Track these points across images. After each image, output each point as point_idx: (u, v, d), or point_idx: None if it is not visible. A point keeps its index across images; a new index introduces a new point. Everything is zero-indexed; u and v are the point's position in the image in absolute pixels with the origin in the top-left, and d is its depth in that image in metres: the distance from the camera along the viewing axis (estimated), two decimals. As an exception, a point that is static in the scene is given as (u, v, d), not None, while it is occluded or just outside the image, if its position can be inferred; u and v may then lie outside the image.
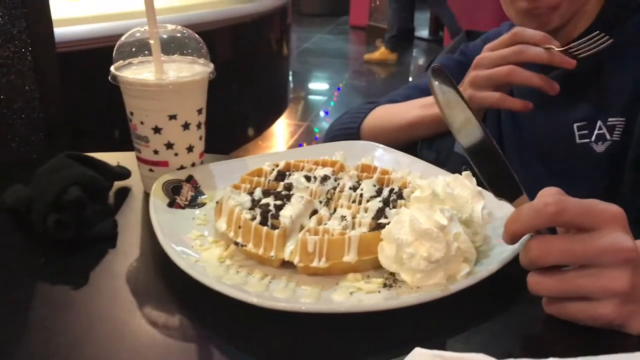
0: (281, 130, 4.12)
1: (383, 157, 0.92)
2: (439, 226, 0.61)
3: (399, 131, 1.06)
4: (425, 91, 1.18)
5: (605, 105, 0.88)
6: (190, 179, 0.82)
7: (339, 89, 5.23)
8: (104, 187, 0.79)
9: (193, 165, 0.85)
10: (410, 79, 5.67)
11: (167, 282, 0.65)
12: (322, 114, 4.56)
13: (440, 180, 0.69)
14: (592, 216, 0.55)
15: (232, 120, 3.21)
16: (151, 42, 0.80)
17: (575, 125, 0.90)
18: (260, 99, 3.48)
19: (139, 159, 0.84)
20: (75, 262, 0.69)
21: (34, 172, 0.76)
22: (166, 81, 0.78)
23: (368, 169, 0.84)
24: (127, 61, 0.82)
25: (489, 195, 0.72)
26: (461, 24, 4.69)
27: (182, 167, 0.83)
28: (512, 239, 0.59)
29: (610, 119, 0.87)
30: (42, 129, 0.98)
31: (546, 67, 0.88)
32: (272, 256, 0.65)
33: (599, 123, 0.88)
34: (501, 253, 0.66)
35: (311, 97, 5.13)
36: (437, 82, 0.65)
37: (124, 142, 0.89)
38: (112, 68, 0.80)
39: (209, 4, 3.14)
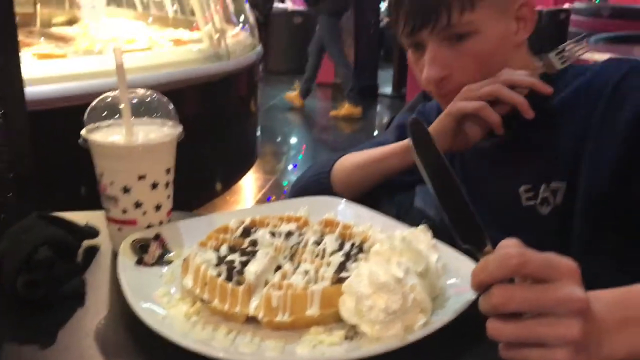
0: (249, 185, 4.15)
1: (345, 211, 0.96)
2: (395, 279, 0.65)
3: (372, 164, 1.08)
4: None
5: (547, 169, 0.93)
6: (157, 237, 0.84)
7: (306, 143, 5.32)
8: (74, 247, 0.81)
9: (161, 223, 0.87)
10: (376, 132, 5.81)
11: (135, 339, 0.67)
12: (290, 167, 4.62)
13: (398, 234, 0.73)
14: (551, 269, 0.59)
15: (200, 175, 3.24)
16: (122, 105, 0.84)
17: (521, 189, 0.95)
18: (228, 155, 3.53)
19: (107, 218, 0.86)
20: (45, 320, 0.70)
21: (4, 232, 0.77)
22: (136, 143, 0.82)
23: (331, 223, 0.87)
24: (96, 124, 0.86)
25: (443, 248, 0.77)
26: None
27: (150, 226, 0.86)
28: (479, 287, 0.62)
29: (552, 183, 0.92)
30: (11, 189, 0.99)
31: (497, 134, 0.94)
32: (237, 312, 0.67)
33: (542, 187, 0.93)
34: (456, 303, 0.69)
35: (280, 151, 5.20)
36: (413, 131, 0.71)
37: (94, 201, 0.91)
38: (83, 131, 0.83)
39: (179, 63, 3.20)
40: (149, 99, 0.88)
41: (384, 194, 1.27)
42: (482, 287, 0.62)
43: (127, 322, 0.69)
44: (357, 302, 0.65)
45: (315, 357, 0.62)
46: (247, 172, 3.82)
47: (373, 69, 7.10)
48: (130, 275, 0.74)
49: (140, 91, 0.88)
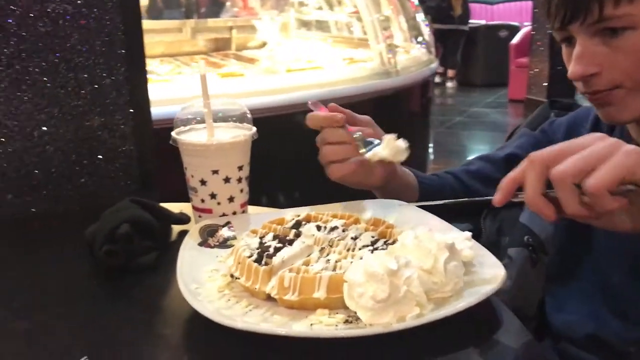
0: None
1: (407, 215, 0.98)
2: (388, 270, 0.68)
3: None
4: (497, 163, 1.22)
5: None
6: (227, 224, 0.96)
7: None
8: (154, 226, 0.96)
9: (234, 213, 1.00)
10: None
11: (173, 303, 0.80)
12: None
13: (411, 233, 0.76)
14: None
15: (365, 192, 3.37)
16: (205, 110, 0.98)
17: None
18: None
19: (192, 206, 1.01)
20: (121, 283, 0.87)
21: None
22: (209, 142, 0.95)
23: (377, 223, 0.92)
24: (187, 127, 1.01)
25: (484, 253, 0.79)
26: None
27: (224, 214, 0.99)
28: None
29: None
30: (139, 182, 1.20)
31: None
32: (256, 289, 0.76)
33: None
34: (463, 303, 0.70)
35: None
36: None
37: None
38: (173, 133, 0.99)
39: (351, 80, 3.39)
40: (229, 105, 1.01)
41: (489, 211, 1.26)
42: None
43: (174, 290, 0.82)
44: (349, 288, 0.70)
45: (304, 331, 0.68)
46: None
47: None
48: (189, 252, 0.87)
49: (223, 100, 1.02)
